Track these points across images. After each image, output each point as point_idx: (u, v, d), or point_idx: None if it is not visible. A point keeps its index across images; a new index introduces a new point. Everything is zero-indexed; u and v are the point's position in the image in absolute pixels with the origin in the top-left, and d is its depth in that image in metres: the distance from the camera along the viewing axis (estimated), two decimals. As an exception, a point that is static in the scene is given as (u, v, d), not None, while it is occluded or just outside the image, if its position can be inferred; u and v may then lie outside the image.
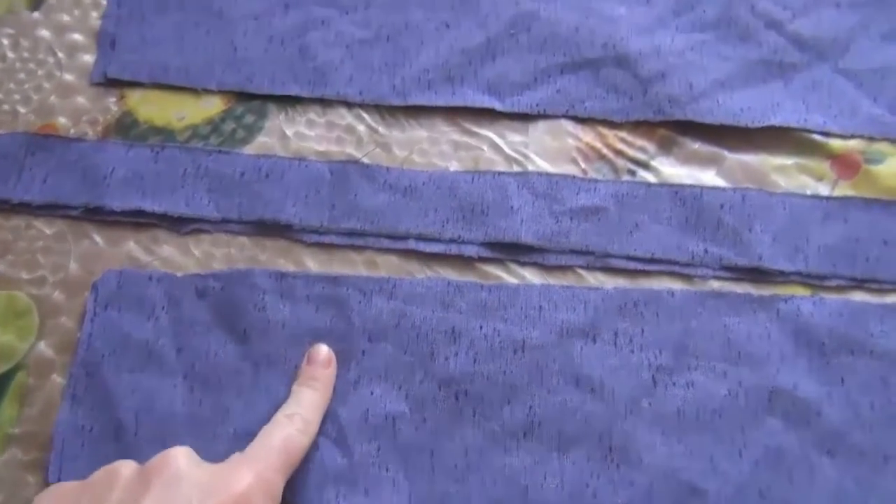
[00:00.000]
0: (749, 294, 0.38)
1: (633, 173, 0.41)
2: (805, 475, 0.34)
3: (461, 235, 0.39)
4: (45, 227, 0.39)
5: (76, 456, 0.34)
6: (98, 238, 0.39)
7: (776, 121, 0.41)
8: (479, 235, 0.39)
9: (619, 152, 0.42)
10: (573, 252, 0.39)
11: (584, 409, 0.36)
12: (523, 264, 0.39)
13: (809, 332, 0.37)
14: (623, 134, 0.42)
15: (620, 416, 0.35)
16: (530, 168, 0.41)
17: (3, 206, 0.39)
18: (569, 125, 0.42)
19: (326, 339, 0.36)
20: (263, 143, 0.42)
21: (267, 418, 0.32)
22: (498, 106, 0.42)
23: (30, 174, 0.40)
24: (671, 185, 0.40)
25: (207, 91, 0.43)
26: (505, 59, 0.43)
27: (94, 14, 0.45)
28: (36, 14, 0.44)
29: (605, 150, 0.42)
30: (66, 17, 0.44)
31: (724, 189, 0.40)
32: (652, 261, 0.39)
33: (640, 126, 0.42)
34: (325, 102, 0.43)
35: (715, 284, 0.39)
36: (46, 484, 0.33)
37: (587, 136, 0.42)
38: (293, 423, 0.31)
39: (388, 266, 0.39)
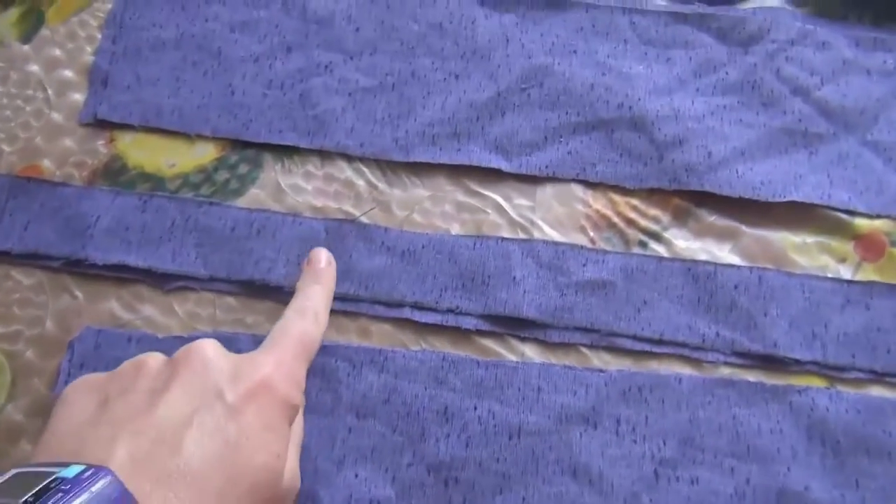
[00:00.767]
0: (761, 383, 0.36)
1: (644, 245, 0.39)
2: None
3: (459, 306, 0.37)
4: (24, 278, 0.37)
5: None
6: (78, 293, 0.37)
7: (798, 196, 0.39)
8: (479, 307, 0.37)
9: (630, 221, 0.39)
10: (577, 329, 0.37)
11: (580, 501, 0.34)
12: (523, 339, 0.37)
13: (824, 428, 0.35)
14: (635, 202, 0.40)
15: (619, 514, 0.33)
16: (536, 235, 0.39)
17: (-19, 252, 0.37)
18: (578, 190, 0.40)
19: (311, 416, 0.34)
20: (257, 195, 0.40)
21: None
22: (505, 167, 0.40)
23: (10, 220, 0.38)
24: (684, 261, 0.38)
25: (201, 137, 0.41)
26: (514, 115, 0.41)
27: (89, 49, 0.43)
28: (26, 47, 0.42)
29: (615, 219, 0.39)
30: (57, 52, 0.42)
31: (739, 267, 0.38)
32: (660, 342, 0.37)
33: (653, 194, 0.40)
34: (323, 154, 0.41)
35: (725, 371, 0.36)
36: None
37: (597, 202, 0.40)
38: (305, 317, 0.31)
39: (381, 335, 0.37)
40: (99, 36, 0.43)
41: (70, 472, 0.22)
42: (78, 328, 0.36)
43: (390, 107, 0.42)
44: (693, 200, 0.40)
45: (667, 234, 0.39)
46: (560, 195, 0.40)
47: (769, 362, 0.37)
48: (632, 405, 0.35)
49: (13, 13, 0.44)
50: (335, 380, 0.36)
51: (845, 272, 0.38)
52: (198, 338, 0.29)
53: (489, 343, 0.37)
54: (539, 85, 0.42)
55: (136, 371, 0.27)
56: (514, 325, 0.37)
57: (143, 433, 0.24)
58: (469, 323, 0.37)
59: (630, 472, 0.34)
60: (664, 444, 0.35)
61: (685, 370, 0.36)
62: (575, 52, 0.43)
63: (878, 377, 0.36)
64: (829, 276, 0.38)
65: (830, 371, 0.36)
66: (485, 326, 0.37)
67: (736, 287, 0.38)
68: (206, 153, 0.41)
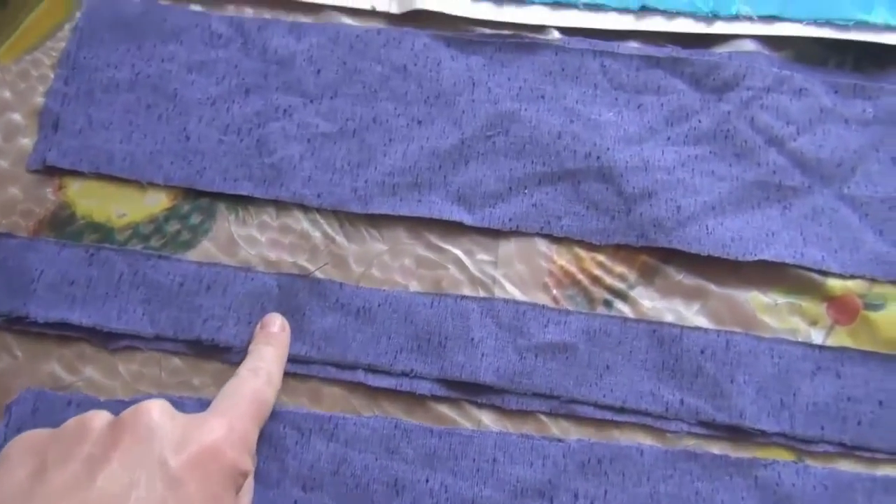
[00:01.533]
0: (726, 456, 0.34)
1: (609, 304, 0.37)
2: None
3: (414, 369, 0.36)
4: (-37, 336, 0.36)
5: None
6: (18, 351, 0.36)
7: (769, 254, 0.37)
8: (435, 370, 0.36)
9: (595, 279, 0.38)
10: (536, 395, 0.36)
11: (534, 580, 0.32)
12: (480, 406, 0.36)
13: (790, 504, 0.33)
14: (601, 258, 0.38)
15: None
16: (497, 292, 0.38)
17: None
18: (542, 245, 0.38)
19: (256, 486, 0.33)
20: (208, 248, 0.38)
21: None
22: (467, 219, 0.39)
23: (-50, 274, 0.37)
24: (649, 322, 0.37)
25: (153, 185, 0.39)
26: (478, 164, 0.40)
27: (41, 89, 0.41)
28: (-25, 89, 0.41)
29: (580, 276, 0.38)
30: (7, 94, 0.41)
31: (706, 331, 0.37)
32: (622, 410, 0.35)
33: (620, 250, 0.38)
34: (279, 204, 0.39)
35: (690, 441, 0.35)
36: None
37: (562, 258, 0.38)
38: (258, 377, 0.31)
39: (332, 398, 0.36)
40: (52, 76, 0.42)
41: None
42: (17, 390, 0.35)
43: (350, 154, 0.40)
44: (661, 257, 0.38)
45: (633, 293, 0.38)
46: (523, 250, 0.38)
47: (735, 433, 0.35)
48: (591, 478, 0.34)
49: (-38, 52, 0.42)
50: (282, 448, 0.34)
51: (817, 336, 0.37)
52: (143, 400, 0.28)
53: (444, 409, 0.36)
54: (505, 132, 0.40)
55: (79, 433, 0.27)
56: (470, 391, 0.36)
57: None
58: (424, 388, 0.36)
59: (587, 548, 0.33)
60: (623, 519, 0.33)
61: (647, 440, 0.35)
62: (543, 96, 0.41)
63: (848, 450, 0.35)
64: (800, 340, 0.37)
65: (798, 443, 0.35)
66: (440, 392, 0.36)
67: (702, 351, 0.36)
68: (157, 202, 0.39)
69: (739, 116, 0.40)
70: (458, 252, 0.38)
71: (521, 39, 0.42)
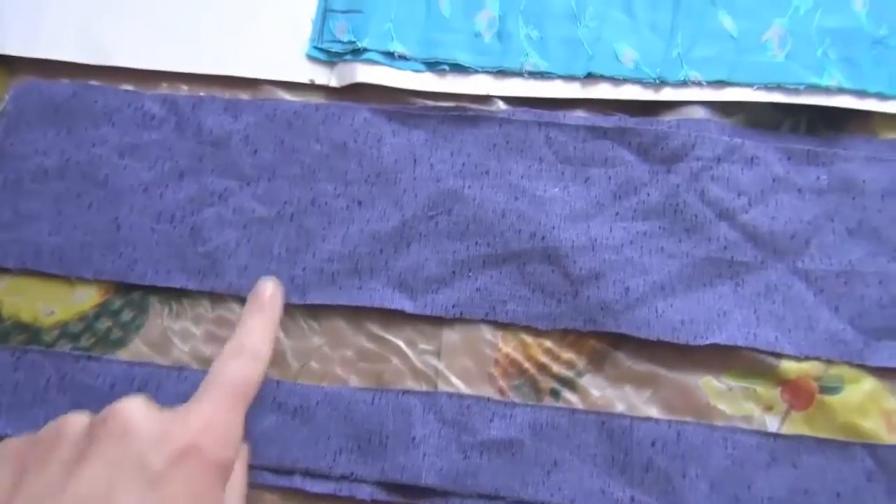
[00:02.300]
0: (678, 557, 0.33)
1: (556, 394, 0.36)
2: None
3: (354, 472, 0.35)
4: None
5: None
6: (-61, 468, 0.34)
7: (721, 338, 0.36)
8: (375, 472, 0.35)
9: (542, 367, 0.37)
10: (481, 496, 0.34)
11: None
12: (423, 509, 0.34)
13: None
14: (549, 344, 0.37)
15: None
16: (441, 384, 0.36)
17: None
18: (487, 332, 0.37)
19: None
20: (140, 347, 0.37)
21: None
22: (409, 307, 0.37)
23: None
24: (598, 414, 0.35)
25: (83, 280, 0.38)
26: (420, 247, 0.38)
27: (-33, 178, 0.39)
28: None
29: (526, 364, 0.37)
30: (-70, 187, 0.39)
31: (657, 421, 0.35)
32: (571, 510, 0.34)
33: (568, 335, 0.37)
34: (214, 296, 0.38)
35: (641, 541, 0.34)
36: None
37: (508, 345, 0.37)
38: (241, 355, 0.30)
39: (269, 506, 0.34)
40: (-21, 163, 0.40)
41: None
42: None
43: (288, 240, 0.39)
44: (610, 342, 0.37)
45: (581, 381, 0.36)
46: (468, 338, 0.37)
47: (687, 531, 0.34)
48: (537, 585, 0.33)
49: None
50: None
51: (772, 422, 0.36)
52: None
53: (386, 513, 0.34)
54: (447, 212, 0.39)
55: (56, 437, 0.26)
56: (413, 493, 0.35)
57: None
58: (364, 492, 0.35)
59: None
60: None
61: (597, 542, 0.34)
62: (487, 172, 0.40)
63: (804, 547, 0.33)
64: (755, 427, 0.35)
65: (753, 541, 0.33)
66: (381, 496, 0.35)
67: (653, 444, 0.35)
68: (87, 298, 0.38)
69: (689, 189, 0.39)
70: (400, 342, 0.37)
71: (465, 112, 0.41)
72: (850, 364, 0.36)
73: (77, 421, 0.27)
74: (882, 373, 0.36)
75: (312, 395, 0.36)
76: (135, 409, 0.26)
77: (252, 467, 0.35)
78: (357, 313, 0.38)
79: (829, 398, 0.36)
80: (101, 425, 0.26)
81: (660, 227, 0.39)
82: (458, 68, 0.42)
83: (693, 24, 0.43)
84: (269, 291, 0.33)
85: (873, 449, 0.35)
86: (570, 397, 0.36)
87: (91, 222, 0.39)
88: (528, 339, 0.37)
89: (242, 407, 0.29)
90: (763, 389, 0.36)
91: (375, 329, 0.37)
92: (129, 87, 0.42)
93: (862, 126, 0.41)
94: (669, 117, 0.41)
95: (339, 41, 0.43)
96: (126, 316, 0.38)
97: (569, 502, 0.34)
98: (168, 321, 0.38)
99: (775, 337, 0.37)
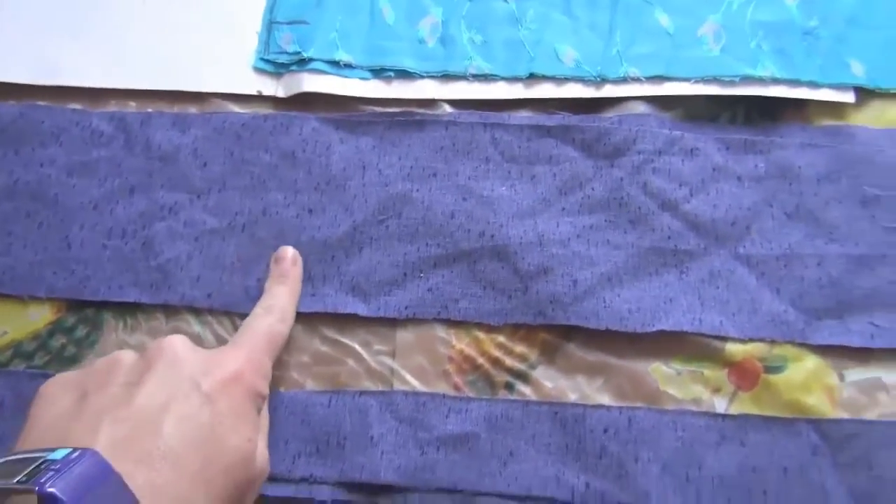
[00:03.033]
0: (634, 540, 0.34)
1: (510, 387, 0.37)
2: None
3: (313, 474, 0.35)
4: None
5: None
6: None
7: (668, 324, 0.37)
8: (334, 473, 0.35)
9: (496, 361, 0.37)
10: (440, 490, 0.35)
11: None
12: (382, 507, 0.35)
13: (701, 584, 0.33)
14: (501, 339, 0.38)
15: None
16: (396, 383, 0.37)
17: None
18: (441, 330, 0.38)
19: None
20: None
21: None
22: (362, 311, 0.38)
23: None
24: (551, 404, 0.36)
25: (35, 299, 0.38)
26: (372, 251, 0.39)
27: (-85, 203, 0.39)
28: None
29: (480, 360, 0.37)
30: None
31: (609, 409, 0.36)
32: (527, 499, 0.35)
33: (520, 329, 0.38)
34: (169, 308, 0.38)
35: (597, 526, 0.34)
36: None
37: (461, 342, 0.38)
38: (272, 314, 0.34)
39: (230, 513, 0.34)
40: (-74, 188, 0.40)
41: (58, 454, 0.23)
42: None
43: (240, 250, 0.39)
44: (561, 334, 0.38)
45: (534, 374, 0.37)
46: (421, 338, 0.38)
47: (642, 514, 0.35)
48: (497, 575, 0.33)
49: None
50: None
51: (720, 404, 0.37)
52: None
53: (346, 513, 0.35)
54: (397, 215, 0.40)
55: (111, 367, 0.29)
56: (372, 492, 0.35)
57: (124, 421, 0.26)
58: (324, 494, 0.35)
59: None
60: None
61: (554, 529, 0.34)
62: (435, 175, 0.41)
63: (755, 523, 0.34)
64: (704, 409, 0.36)
65: (705, 520, 0.34)
66: (341, 496, 0.35)
67: (605, 431, 0.36)
68: (40, 317, 0.38)
69: (632, 182, 0.40)
70: (355, 345, 0.38)
71: (411, 117, 0.42)
72: (793, 343, 0.37)
73: (128, 354, 0.30)
74: (824, 350, 0.37)
75: (270, 400, 0.36)
76: (180, 345, 0.30)
77: (211, 475, 0.35)
78: (311, 318, 0.38)
79: (773, 377, 0.37)
80: (154, 354, 0.29)
81: (605, 220, 0.40)
82: (404, 74, 0.43)
83: (630, 22, 0.44)
84: (290, 259, 0.37)
85: (818, 424, 0.36)
86: (524, 389, 0.37)
87: (41, 241, 0.39)
88: (481, 335, 0.38)
89: (272, 354, 0.33)
90: (710, 372, 0.37)
91: (330, 333, 0.38)
92: (77, 106, 0.42)
93: (796, 114, 0.42)
94: (611, 114, 0.42)
95: (286, 52, 0.43)
96: (80, 332, 0.38)
97: (525, 491, 0.35)
98: (123, 335, 0.38)
99: (720, 321, 0.38)
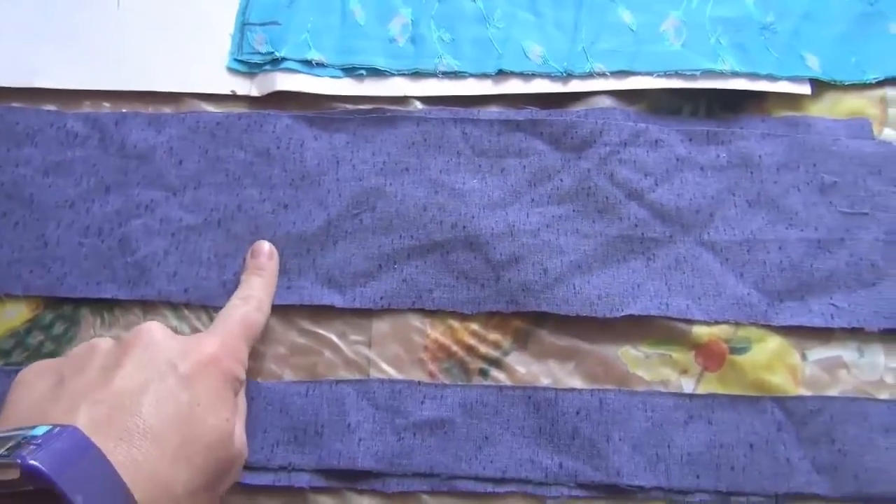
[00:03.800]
0: (607, 517, 0.35)
1: (485, 373, 0.38)
2: None
3: (292, 462, 0.35)
4: None
5: None
6: None
7: (636, 309, 0.38)
8: (312, 461, 0.36)
9: (470, 349, 0.38)
10: (416, 475, 0.35)
11: None
12: (361, 492, 0.36)
13: (672, 558, 0.34)
14: (475, 326, 0.38)
15: None
16: (373, 372, 0.37)
17: None
18: (416, 319, 0.39)
19: None
20: (73, 358, 0.37)
21: None
22: (338, 302, 0.39)
23: None
24: (524, 388, 0.37)
25: (12, 297, 0.38)
26: (347, 244, 0.40)
27: None
28: None
29: (454, 347, 0.38)
30: None
31: (580, 391, 0.37)
32: (503, 481, 0.35)
33: (493, 317, 0.39)
34: (146, 304, 0.39)
35: (571, 505, 0.35)
36: None
37: (436, 330, 0.38)
38: (248, 303, 0.35)
39: (210, 502, 0.35)
40: None
41: (38, 430, 0.24)
42: None
43: (216, 245, 0.40)
44: (533, 321, 0.39)
45: (507, 360, 0.38)
46: (397, 327, 0.38)
47: (614, 492, 0.36)
48: (475, 555, 0.34)
49: None
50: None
51: (687, 385, 0.38)
52: None
53: (325, 500, 0.35)
54: (371, 209, 0.41)
55: (88, 353, 0.29)
56: (350, 478, 0.36)
57: (102, 402, 0.26)
58: (302, 480, 0.35)
59: None
60: None
61: (529, 509, 0.35)
62: (407, 169, 0.41)
63: (724, 497, 0.35)
64: (672, 391, 0.37)
65: (675, 496, 0.36)
66: (319, 483, 0.36)
67: (577, 413, 0.37)
68: (17, 314, 0.38)
69: (599, 173, 0.41)
70: (332, 335, 0.38)
71: (383, 113, 0.43)
72: (757, 325, 0.39)
73: (105, 340, 0.30)
74: (786, 331, 0.38)
75: (248, 391, 0.37)
76: (157, 329, 0.30)
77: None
78: (288, 311, 0.39)
79: (739, 358, 0.38)
80: (131, 339, 0.30)
81: (574, 210, 0.41)
82: (375, 72, 0.44)
83: (595, 19, 0.45)
84: (265, 253, 0.38)
85: (782, 401, 0.37)
86: (498, 375, 0.38)
87: (18, 240, 0.40)
88: (455, 323, 0.39)
89: (249, 341, 0.33)
90: (678, 355, 0.38)
91: (307, 325, 0.39)
92: (52, 108, 0.43)
93: (756, 106, 0.44)
94: (578, 108, 0.43)
95: (259, 52, 0.44)
96: (58, 329, 0.38)
97: (500, 474, 0.36)
98: (101, 331, 0.38)
99: (686, 305, 0.39)
